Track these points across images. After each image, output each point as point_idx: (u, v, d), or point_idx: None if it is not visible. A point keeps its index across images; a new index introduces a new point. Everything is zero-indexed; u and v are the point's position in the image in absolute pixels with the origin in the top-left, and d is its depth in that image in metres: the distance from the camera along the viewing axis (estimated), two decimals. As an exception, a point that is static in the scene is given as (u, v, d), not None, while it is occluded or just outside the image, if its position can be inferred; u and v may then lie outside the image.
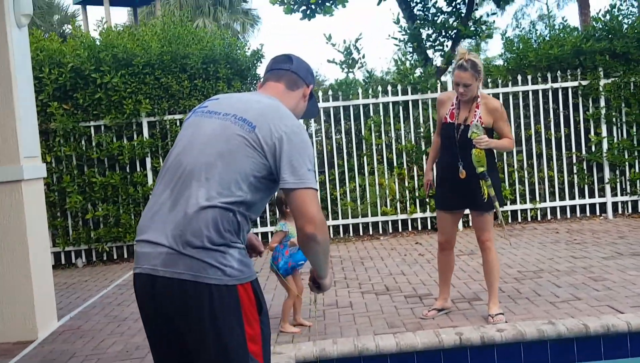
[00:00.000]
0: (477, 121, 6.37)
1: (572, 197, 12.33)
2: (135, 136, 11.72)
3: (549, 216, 12.31)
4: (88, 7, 18.07)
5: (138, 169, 11.70)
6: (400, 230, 12.18)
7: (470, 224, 11.98)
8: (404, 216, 12.12)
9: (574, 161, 12.34)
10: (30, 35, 11.62)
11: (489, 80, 12.26)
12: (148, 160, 11.68)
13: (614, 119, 12.19)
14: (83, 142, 11.66)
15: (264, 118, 3.39)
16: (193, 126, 3.59)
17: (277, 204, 7.00)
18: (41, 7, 33.22)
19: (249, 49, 12.70)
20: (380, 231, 12.18)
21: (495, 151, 6.67)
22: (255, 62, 12.55)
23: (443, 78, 14.09)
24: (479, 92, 6.51)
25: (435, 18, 14.52)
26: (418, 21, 14.53)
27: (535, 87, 12.08)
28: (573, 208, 12.39)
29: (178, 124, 11.69)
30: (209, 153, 3.36)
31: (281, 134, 3.33)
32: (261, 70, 12.33)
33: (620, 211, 12.38)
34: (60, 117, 11.36)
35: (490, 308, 6.53)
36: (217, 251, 3.19)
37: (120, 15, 45.86)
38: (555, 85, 12.04)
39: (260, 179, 3.33)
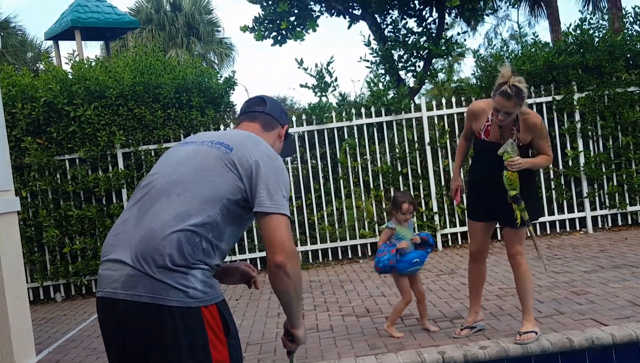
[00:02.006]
0: (514, 141, 5.98)
1: (551, 213, 12.28)
2: (110, 168, 11.71)
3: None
4: (60, 42, 18.03)
5: (114, 201, 11.68)
6: (379, 252, 12.08)
7: (445, 244, 12.08)
8: (382, 238, 12.02)
9: (552, 176, 12.31)
10: (1, 72, 11.67)
11: (462, 98, 12.31)
12: (124, 191, 11.65)
13: (589, 133, 12.20)
14: (58, 176, 11.63)
15: (241, 143, 3.41)
16: (168, 153, 3.63)
17: (393, 203, 6.92)
18: (14, 45, 33.23)
19: (221, 76, 12.75)
20: (359, 254, 12.13)
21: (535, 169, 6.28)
22: (228, 89, 12.59)
23: (417, 99, 14.14)
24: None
25: (406, 39, 14.55)
26: (389, 43, 14.57)
27: (508, 103, 12.04)
28: (552, 223, 12.37)
29: (153, 154, 11.70)
30: (182, 171, 3.36)
31: (257, 158, 3.33)
32: (234, 97, 12.33)
33: (600, 225, 12.34)
34: (35, 152, 11.34)
35: (522, 325, 6.18)
36: (178, 272, 3.12)
37: (93, 49, 45.91)
38: (529, 101, 12.05)
39: (234, 202, 3.29)
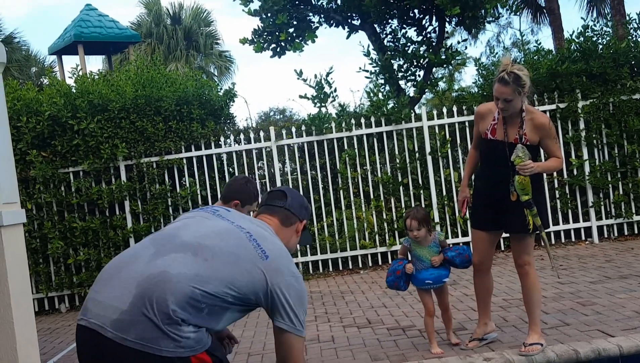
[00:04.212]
0: (523, 142, 5.87)
1: (555, 222, 11.98)
2: (113, 180, 11.82)
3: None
4: (64, 57, 18.20)
5: (117, 213, 11.80)
6: (380, 262, 12.10)
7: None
8: (383, 249, 12.03)
9: (556, 185, 12.16)
10: (6, 86, 11.78)
11: (464, 107, 12.24)
12: (127, 203, 11.78)
13: (594, 141, 12.04)
14: (62, 188, 11.78)
15: (277, 256, 3.49)
16: (201, 215, 3.68)
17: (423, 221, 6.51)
18: (18, 60, 33.31)
19: (221, 89, 12.90)
20: (360, 265, 12.13)
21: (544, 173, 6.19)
22: (227, 101, 12.76)
23: (417, 109, 14.16)
24: (525, 106, 5.91)
25: (406, 48, 14.53)
26: (388, 52, 14.57)
27: (511, 111, 11.97)
28: (557, 233, 12.18)
29: (155, 166, 11.84)
30: (216, 243, 3.41)
31: (287, 279, 3.44)
32: (234, 109, 12.36)
33: (606, 235, 12.17)
34: (40, 165, 11.48)
35: (527, 337, 6.10)
36: (175, 322, 3.14)
37: (96, 63, 45.93)
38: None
39: (246, 300, 3.39)
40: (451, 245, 6.93)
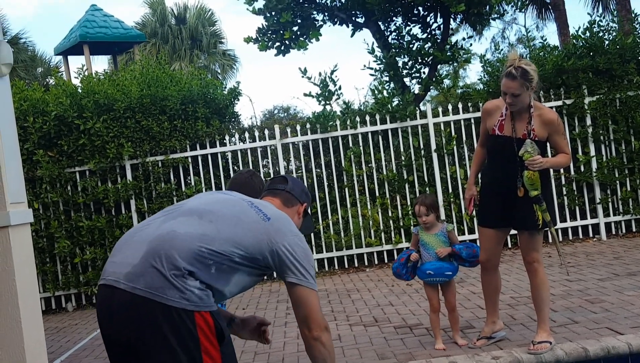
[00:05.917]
0: (531, 138, 5.85)
1: (563, 219, 11.95)
2: (119, 179, 11.88)
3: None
4: (69, 57, 18.29)
5: (123, 212, 11.86)
6: (386, 260, 12.08)
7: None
8: (389, 247, 12.02)
9: (563, 182, 12.10)
10: (13, 86, 11.81)
11: (469, 104, 12.22)
12: (132, 202, 11.84)
13: (601, 138, 11.99)
14: (69, 188, 11.85)
15: (278, 218, 3.64)
16: (206, 193, 3.94)
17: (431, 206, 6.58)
18: (24, 60, 33.35)
19: (225, 87, 12.93)
20: (366, 263, 12.12)
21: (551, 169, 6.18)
22: (232, 100, 12.82)
23: (422, 106, 14.14)
24: (533, 102, 5.90)
25: (411, 45, 14.47)
26: (393, 50, 14.51)
27: (517, 108, 11.93)
28: (565, 230, 12.11)
29: (160, 165, 11.90)
30: (219, 208, 3.59)
31: (290, 238, 3.59)
32: (238, 108, 12.38)
33: (614, 232, 12.10)
34: (46, 165, 11.55)
35: (536, 335, 6.05)
36: (182, 275, 3.26)
37: (102, 63, 46.00)
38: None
39: (252, 259, 3.50)
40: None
